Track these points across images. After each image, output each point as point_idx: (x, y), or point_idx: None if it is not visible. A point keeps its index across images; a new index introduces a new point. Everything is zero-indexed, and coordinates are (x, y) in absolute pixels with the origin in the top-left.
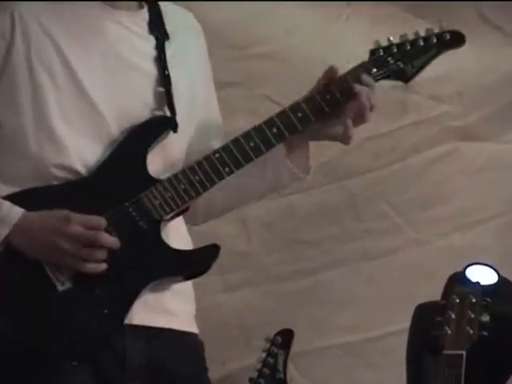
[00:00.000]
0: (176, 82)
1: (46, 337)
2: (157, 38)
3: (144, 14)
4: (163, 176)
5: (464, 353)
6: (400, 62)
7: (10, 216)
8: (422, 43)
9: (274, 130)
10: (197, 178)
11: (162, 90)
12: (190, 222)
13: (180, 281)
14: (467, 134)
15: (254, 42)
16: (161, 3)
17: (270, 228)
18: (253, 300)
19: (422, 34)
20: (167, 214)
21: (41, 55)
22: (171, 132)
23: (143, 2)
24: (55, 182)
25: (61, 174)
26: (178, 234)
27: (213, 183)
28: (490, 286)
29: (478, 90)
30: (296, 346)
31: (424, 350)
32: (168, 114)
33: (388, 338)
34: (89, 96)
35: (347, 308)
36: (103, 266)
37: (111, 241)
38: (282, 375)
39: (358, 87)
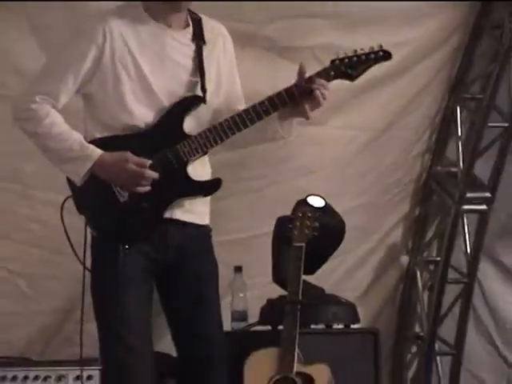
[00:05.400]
0: (208, 71)
1: (113, 228)
2: (196, 45)
3: (189, 29)
4: (194, 133)
5: (303, 245)
6: (349, 68)
7: (93, 155)
8: (364, 57)
9: (264, 108)
10: (212, 135)
11: (196, 79)
12: None
13: (197, 197)
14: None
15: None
16: (202, 17)
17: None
18: None
19: (365, 50)
20: (192, 157)
21: (121, 59)
22: (202, 103)
23: (190, 21)
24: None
25: (127, 131)
26: (202, 168)
27: (222, 140)
28: (320, 208)
29: None
30: None
31: (282, 245)
32: (199, 93)
33: (257, 238)
34: (150, 84)
35: (239, 219)
36: (147, 189)
37: (152, 174)
38: None
39: (315, 87)
